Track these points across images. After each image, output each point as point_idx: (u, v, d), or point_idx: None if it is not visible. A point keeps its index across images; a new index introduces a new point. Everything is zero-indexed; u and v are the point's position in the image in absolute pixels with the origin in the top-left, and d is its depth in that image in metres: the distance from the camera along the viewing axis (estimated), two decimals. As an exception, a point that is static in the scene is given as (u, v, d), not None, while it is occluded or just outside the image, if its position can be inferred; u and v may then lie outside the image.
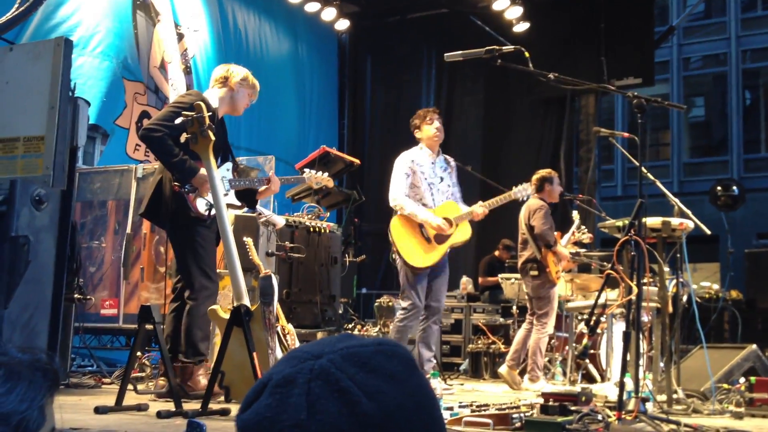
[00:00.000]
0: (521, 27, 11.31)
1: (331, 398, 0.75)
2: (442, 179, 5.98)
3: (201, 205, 4.70)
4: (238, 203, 5.02)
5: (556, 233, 7.13)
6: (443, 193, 5.96)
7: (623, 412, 3.93)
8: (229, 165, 4.93)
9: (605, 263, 7.75)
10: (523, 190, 6.32)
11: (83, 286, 5.75)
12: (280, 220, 6.24)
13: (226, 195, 4.78)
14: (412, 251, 5.70)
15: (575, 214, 7.71)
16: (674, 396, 5.03)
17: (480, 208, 5.95)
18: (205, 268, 4.79)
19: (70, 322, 5.49)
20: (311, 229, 6.69)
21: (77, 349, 6.82)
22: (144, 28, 8.96)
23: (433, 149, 5.98)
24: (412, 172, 5.82)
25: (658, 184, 5.45)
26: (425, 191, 5.82)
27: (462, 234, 5.92)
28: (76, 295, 5.47)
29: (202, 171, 4.61)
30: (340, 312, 7.23)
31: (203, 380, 4.65)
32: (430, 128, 5.95)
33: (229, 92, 4.99)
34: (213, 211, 4.78)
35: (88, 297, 5.91)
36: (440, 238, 5.78)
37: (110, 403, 3.99)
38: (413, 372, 0.81)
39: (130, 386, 4.36)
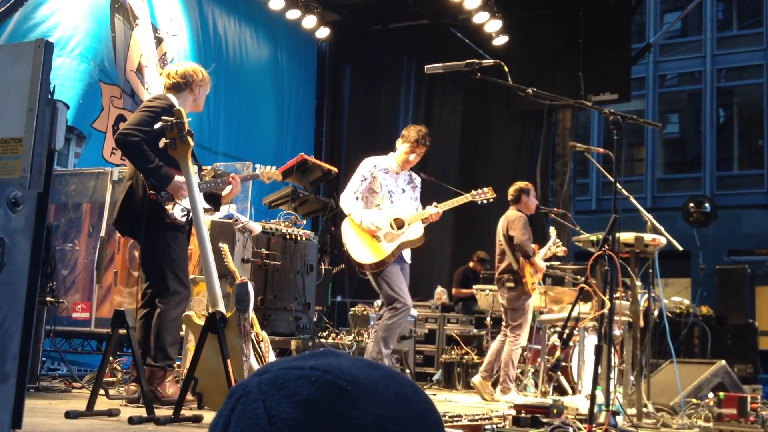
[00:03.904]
0: (500, 40, 11.41)
1: (243, 418, 0.77)
2: (403, 191, 5.93)
3: (177, 211, 4.69)
4: (208, 206, 4.98)
5: (534, 245, 7.18)
6: (404, 204, 5.89)
7: (594, 425, 3.97)
8: (195, 168, 4.87)
9: (579, 276, 7.82)
10: (482, 194, 6.14)
11: (56, 288, 5.70)
12: (257, 227, 6.23)
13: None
14: (361, 250, 5.62)
15: (552, 230, 7.76)
16: (644, 410, 5.09)
17: (434, 209, 5.82)
18: (179, 273, 4.77)
19: (42, 325, 5.44)
20: (287, 237, 6.67)
21: (48, 353, 6.75)
22: (122, 32, 8.91)
23: (399, 166, 5.89)
24: (372, 177, 5.76)
25: (632, 199, 5.51)
26: (384, 197, 5.75)
27: (413, 233, 5.79)
28: (48, 298, 5.42)
29: (177, 178, 4.61)
30: (315, 320, 7.21)
31: (171, 388, 4.62)
32: (412, 156, 5.85)
33: (191, 95, 4.95)
34: (190, 216, 4.78)
35: (61, 300, 5.85)
36: (390, 237, 5.69)
37: (81, 407, 3.96)
38: (335, 400, 0.77)
39: (101, 391, 4.32)
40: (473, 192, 6.18)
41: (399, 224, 5.75)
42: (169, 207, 4.65)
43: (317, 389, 0.77)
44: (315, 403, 0.76)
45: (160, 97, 4.92)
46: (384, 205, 5.75)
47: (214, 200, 5.11)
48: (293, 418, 0.75)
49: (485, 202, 6.25)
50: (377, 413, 0.77)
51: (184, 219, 4.75)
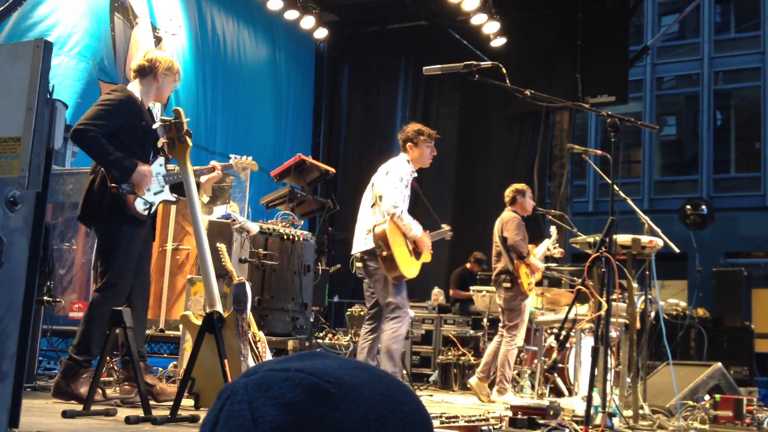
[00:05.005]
0: (498, 42, 11.43)
1: (230, 419, 0.78)
2: (409, 197, 5.94)
3: (140, 204, 4.65)
4: (173, 198, 4.90)
5: (530, 246, 7.18)
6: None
7: (590, 427, 3.97)
8: (161, 160, 4.81)
9: (576, 278, 7.83)
10: (441, 233, 6.52)
11: (53, 288, 5.69)
12: (254, 227, 6.24)
13: (161, 191, 4.74)
14: (405, 260, 5.60)
15: (553, 229, 7.75)
16: (640, 411, 5.09)
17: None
18: (124, 267, 4.69)
19: (39, 325, 5.44)
20: (285, 237, 6.68)
21: (45, 352, 6.75)
22: (121, 30, 8.92)
23: (415, 167, 5.91)
24: (407, 183, 5.71)
25: (629, 201, 5.52)
26: (418, 226, 5.79)
27: (428, 255, 5.94)
28: (45, 298, 5.42)
29: (140, 167, 4.59)
30: (312, 320, 7.22)
31: (83, 387, 4.53)
32: (427, 150, 5.86)
33: (154, 82, 4.87)
34: (152, 210, 4.75)
35: (58, 299, 5.85)
36: (417, 254, 5.76)
37: (78, 407, 3.97)
38: (317, 403, 0.77)
39: (98, 390, 4.32)
40: (444, 228, 6.58)
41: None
42: (131, 200, 4.60)
43: (301, 391, 0.77)
44: (298, 405, 0.77)
45: (117, 89, 4.85)
46: None
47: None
48: (276, 419, 0.76)
49: (447, 238, 6.69)
50: (361, 415, 0.78)
51: (146, 213, 4.70)
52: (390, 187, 5.63)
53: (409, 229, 5.64)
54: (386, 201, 5.59)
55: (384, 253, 5.54)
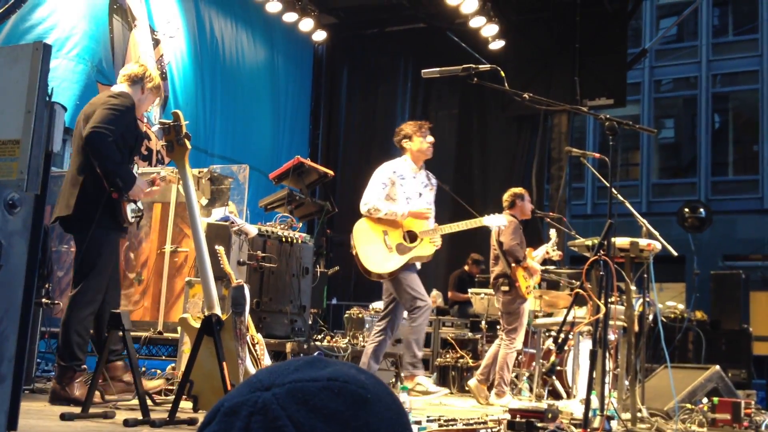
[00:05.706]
0: (497, 45, 11.44)
1: None
2: (420, 195, 5.93)
3: (129, 211, 4.65)
4: (141, 209, 4.89)
5: (528, 249, 7.18)
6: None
7: (588, 430, 3.98)
8: (136, 167, 4.86)
9: (574, 281, 7.83)
10: (495, 219, 6.09)
11: (51, 290, 5.69)
12: (253, 230, 6.23)
13: (136, 202, 4.76)
14: (370, 257, 5.61)
15: (553, 232, 7.74)
16: (638, 414, 5.09)
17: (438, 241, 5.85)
18: (104, 274, 4.69)
19: (37, 327, 5.43)
20: (283, 239, 6.68)
21: (43, 354, 6.74)
22: (120, 33, 8.91)
23: (417, 163, 5.91)
24: (391, 183, 5.74)
25: (627, 204, 5.52)
26: (401, 204, 5.78)
27: (426, 249, 5.82)
28: (43, 300, 5.41)
29: (138, 181, 4.62)
30: (310, 323, 7.21)
31: (79, 390, 4.56)
32: (423, 141, 5.91)
33: (139, 93, 4.89)
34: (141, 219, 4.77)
35: (56, 302, 5.84)
36: (402, 249, 5.72)
37: (76, 409, 3.96)
38: (360, 410, 0.78)
39: (96, 393, 4.32)
40: (486, 216, 6.13)
41: (412, 237, 5.76)
42: (125, 206, 4.61)
43: (343, 401, 0.77)
44: (343, 414, 0.77)
45: (122, 94, 4.83)
46: None
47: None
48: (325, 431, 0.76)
49: (497, 227, 6.39)
50: (387, 417, 0.80)
51: (134, 220, 4.70)
52: (366, 190, 5.76)
53: (394, 215, 5.67)
54: (361, 203, 5.71)
55: (353, 252, 5.63)
